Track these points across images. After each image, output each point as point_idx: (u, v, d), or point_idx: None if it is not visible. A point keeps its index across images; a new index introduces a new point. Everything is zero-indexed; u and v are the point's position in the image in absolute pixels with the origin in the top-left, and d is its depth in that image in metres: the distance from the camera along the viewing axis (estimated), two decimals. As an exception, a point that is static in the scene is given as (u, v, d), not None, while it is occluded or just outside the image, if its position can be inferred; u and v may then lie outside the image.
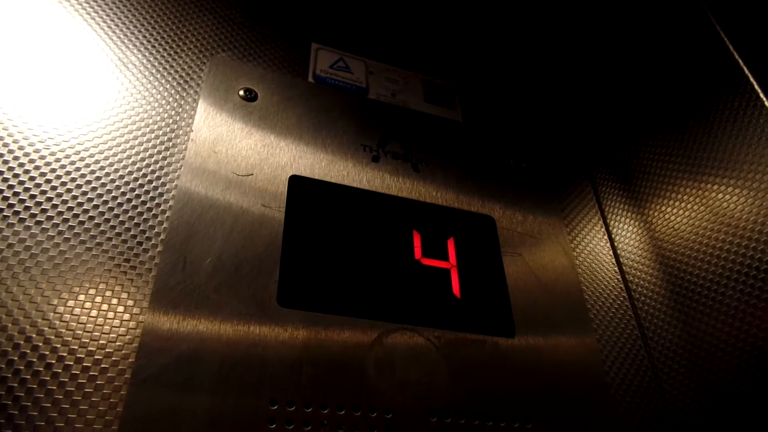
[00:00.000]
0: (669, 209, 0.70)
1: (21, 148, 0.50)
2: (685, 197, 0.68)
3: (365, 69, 0.76)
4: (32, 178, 0.49)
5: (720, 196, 0.62)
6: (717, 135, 0.64)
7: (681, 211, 0.68)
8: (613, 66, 0.84)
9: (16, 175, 0.48)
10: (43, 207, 0.48)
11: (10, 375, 0.40)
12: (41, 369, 0.41)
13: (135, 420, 0.41)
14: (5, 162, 0.49)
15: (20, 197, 0.47)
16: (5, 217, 0.46)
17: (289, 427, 0.45)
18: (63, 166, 0.51)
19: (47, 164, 0.50)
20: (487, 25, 0.97)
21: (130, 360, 0.44)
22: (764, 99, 0.58)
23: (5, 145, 0.49)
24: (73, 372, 0.42)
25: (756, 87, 0.59)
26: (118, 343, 0.44)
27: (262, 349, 0.47)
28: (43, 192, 0.49)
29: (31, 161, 0.50)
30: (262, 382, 0.46)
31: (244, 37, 0.71)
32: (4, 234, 0.45)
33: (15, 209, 0.47)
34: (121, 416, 0.41)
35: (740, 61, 0.61)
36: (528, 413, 0.53)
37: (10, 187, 0.48)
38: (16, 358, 0.41)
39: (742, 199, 0.60)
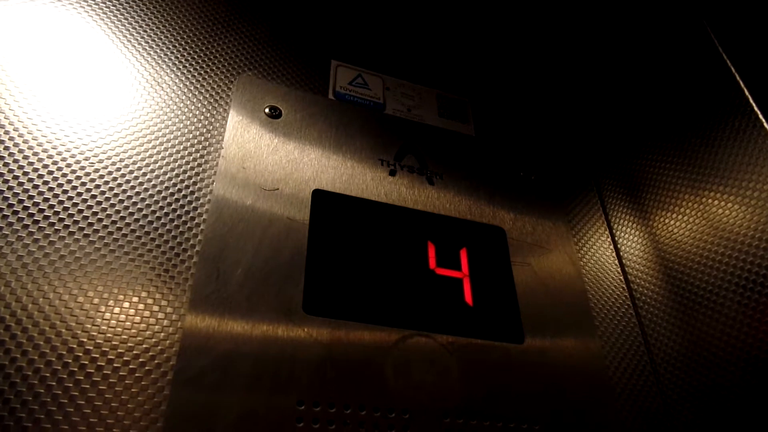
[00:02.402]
0: (671, 220, 0.73)
1: (68, 165, 0.54)
2: (687, 209, 0.71)
3: (382, 85, 0.80)
4: (80, 194, 0.53)
5: (720, 211, 0.66)
6: (717, 151, 0.67)
7: (683, 223, 0.71)
8: (621, 83, 0.87)
9: (65, 192, 0.53)
10: (90, 221, 0.52)
11: (65, 376, 0.44)
12: (92, 370, 0.45)
13: (178, 416, 0.45)
14: (55, 179, 0.53)
15: (69, 212, 0.52)
16: (57, 230, 0.50)
17: (315, 425, 0.49)
18: (107, 183, 0.55)
19: (92, 180, 0.55)
20: (499, 43, 1.00)
21: (171, 362, 0.48)
22: (763, 120, 0.62)
23: (54, 162, 0.54)
24: (121, 373, 0.46)
25: (755, 108, 0.62)
26: (159, 347, 0.48)
27: (289, 353, 0.51)
28: (90, 207, 0.53)
29: (78, 178, 0.54)
30: (291, 384, 0.50)
31: (268, 55, 0.75)
32: (56, 246, 0.50)
33: (65, 223, 0.51)
34: (165, 414, 0.45)
35: (741, 83, 0.64)
36: (535, 416, 0.57)
37: (60, 202, 0.52)
38: (70, 360, 0.45)
39: (741, 213, 0.63)
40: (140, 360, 0.47)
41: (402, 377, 0.54)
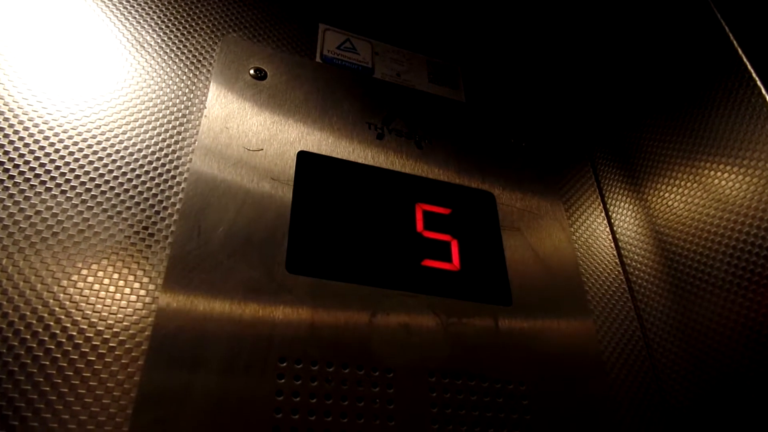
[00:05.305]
0: (665, 187, 0.72)
1: (46, 122, 0.53)
2: (681, 175, 0.70)
3: (371, 50, 0.78)
4: (57, 151, 0.52)
5: (713, 173, 0.65)
6: (712, 116, 0.66)
7: (676, 189, 0.70)
8: (614, 49, 0.86)
9: (41, 148, 0.51)
10: (67, 177, 0.51)
11: (41, 329, 0.44)
12: (69, 325, 0.45)
13: (157, 368, 0.44)
14: (31, 135, 0.52)
15: (46, 168, 0.51)
16: (33, 186, 0.49)
17: (296, 382, 0.48)
18: (85, 140, 0.54)
19: (70, 137, 0.53)
20: (490, 7, 0.99)
21: (150, 319, 0.47)
22: (757, 79, 0.60)
23: (30, 119, 0.53)
24: (98, 329, 0.45)
25: (749, 67, 0.61)
26: (138, 304, 0.48)
27: (270, 312, 0.51)
28: (67, 164, 0.52)
29: (56, 135, 0.53)
30: (272, 342, 0.49)
31: (254, 17, 0.74)
32: (32, 202, 0.49)
33: (42, 179, 0.50)
34: (146, 359, 0.44)
35: (735, 42, 0.63)
36: (521, 376, 0.57)
37: (37, 158, 0.51)
38: (46, 315, 0.44)
39: (733, 176, 0.62)
40: (118, 316, 0.46)
41: (387, 336, 0.53)
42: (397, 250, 0.59)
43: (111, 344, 0.45)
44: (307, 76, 0.69)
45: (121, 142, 0.56)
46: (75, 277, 0.47)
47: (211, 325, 0.48)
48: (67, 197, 0.50)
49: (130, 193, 0.53)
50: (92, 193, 0.51)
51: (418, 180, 0.66)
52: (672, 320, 0.68)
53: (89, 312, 0.46)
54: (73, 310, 0.45)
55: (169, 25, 0.67)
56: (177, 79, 0.63)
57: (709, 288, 0.64)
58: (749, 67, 0.61)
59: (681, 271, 0.68)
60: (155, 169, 0.55)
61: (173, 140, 0.58)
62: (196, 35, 0.68)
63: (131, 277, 0.49)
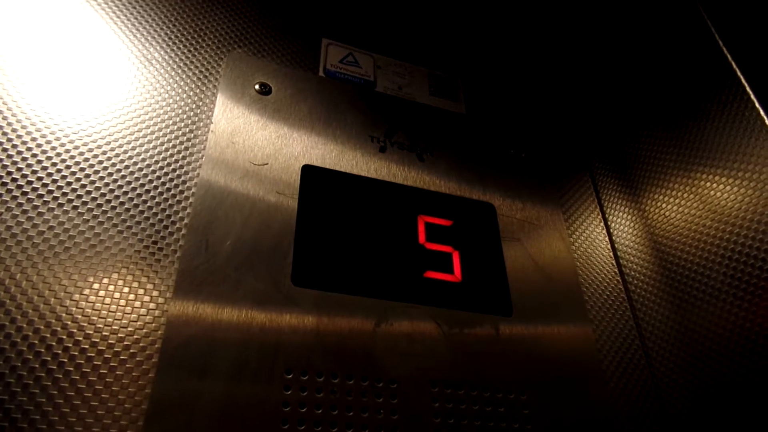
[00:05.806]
0: (662, 197, 0.74)
1: (57, 139, 0.54)
2: (678, 186, 0.71)
3: (373, 63, 0.80)
4: (68, 167, 0.53)
5: (709, 184, 0.66)
6: (707, 128, 0.67)
7: (673, 199, 0.72)
8: (611, 61, 0.87)
9: (54, 164, 0.53)
10: (78, 193, 0.52)
11: (54, 343, 0.45)
12: (81, 338, 0.46)
13: (167, 379, 0.45)
14: (44, 152, 0.53)
15: (58, 184, 0.52)
16: (45, 202, 0.51)
17: (302, 393, 0.49)
18: (95, 155, 0.55)
19: (80, 153, 0.55)
20: (491, 20, 1.00)
21: (160, 332, 0.48)
22: (751, 93, 0.62)
23: (43, 136, 0.54)
24: (110, 342, 0.46)
25: (743, 81, 0.62)
26: (148, 317, 0.49)
27: (277, 324, 0.52)
28: (78, 179, 0.53)
29: (67, 151, 0.54)
30: (278, 354, 0.50)
31: (258, 32, 0.75)
32: (45, 217, 0.50)
33: (54, 195, 0.51)
34: (157, 370, 0.45)
35: (729, 56, 0.64)
36: (523, 386, 0.58)
37: (49, 174, 0.52)
38: (59, 329, 0.45)
39: (728, 187, 0.63)
40: (128, 329, 0.48)
41: (390, 348, 0.55)
42: (399, 262, 0.61)
43: (122, 357, 0.46)
44: (310, 90, 0.71)
45: (129, 157, 0.57)
46: (86, 291, 0.48)
47: (219, 338, 0.49)
48: (79, 212, 0.51)
49: (139, 207, 0.54)
50: (103, 208, 0.53)
51: (420, 192, 0.68)
52: (670, 329, 0.69)
53: (100, 325, 0.47)
54: (85, 324, 0.46)
55: (176, 41, 0.68)
56: (184, 95, 0.64)
57: (707, 297, 0.65)
58: (743, 80, 0.63)
59: (679, 281, 0.69)
60: (163, 183, 0.57)
61: (181, 155, 0.59)
62: (202, 51, 0.69)
63: (141, 291, 0.50)
